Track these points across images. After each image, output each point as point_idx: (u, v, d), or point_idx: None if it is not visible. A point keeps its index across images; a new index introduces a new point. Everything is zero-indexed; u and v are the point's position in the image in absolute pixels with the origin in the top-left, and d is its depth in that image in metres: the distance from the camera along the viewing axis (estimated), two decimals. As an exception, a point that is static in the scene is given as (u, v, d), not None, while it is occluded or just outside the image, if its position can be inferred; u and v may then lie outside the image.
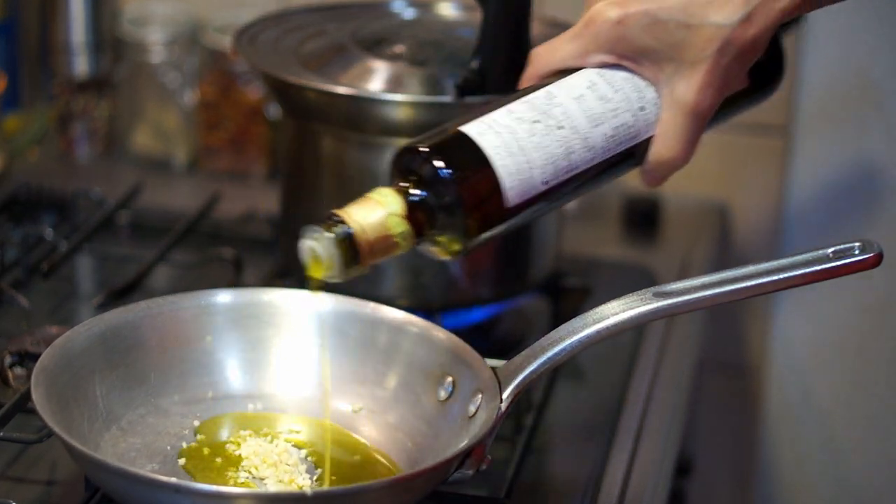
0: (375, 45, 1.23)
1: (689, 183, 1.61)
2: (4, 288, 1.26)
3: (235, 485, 0.99)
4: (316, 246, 0.93)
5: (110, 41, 1.63)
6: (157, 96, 1.60)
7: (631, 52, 0.98)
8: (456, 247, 0.96)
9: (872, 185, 1.57)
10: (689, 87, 0.97)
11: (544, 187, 0.96)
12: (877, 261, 0.96)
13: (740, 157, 1.60)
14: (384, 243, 0.93)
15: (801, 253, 0.97)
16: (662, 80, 0.98)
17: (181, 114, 1.60)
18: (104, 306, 1.23)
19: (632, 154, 0.99)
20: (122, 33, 1.61)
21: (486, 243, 0.97)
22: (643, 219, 1.55)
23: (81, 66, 1.62)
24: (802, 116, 1.57)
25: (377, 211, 0.93)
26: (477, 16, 1.16)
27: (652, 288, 0.98)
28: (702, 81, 0.96)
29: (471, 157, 0.94)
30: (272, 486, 0.99)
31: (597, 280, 1.36)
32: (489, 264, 1.25)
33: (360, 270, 0.94)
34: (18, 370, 1.11)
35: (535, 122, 0.96)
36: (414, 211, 0.94)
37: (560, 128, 0.96)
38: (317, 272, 0.95)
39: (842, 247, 0.97)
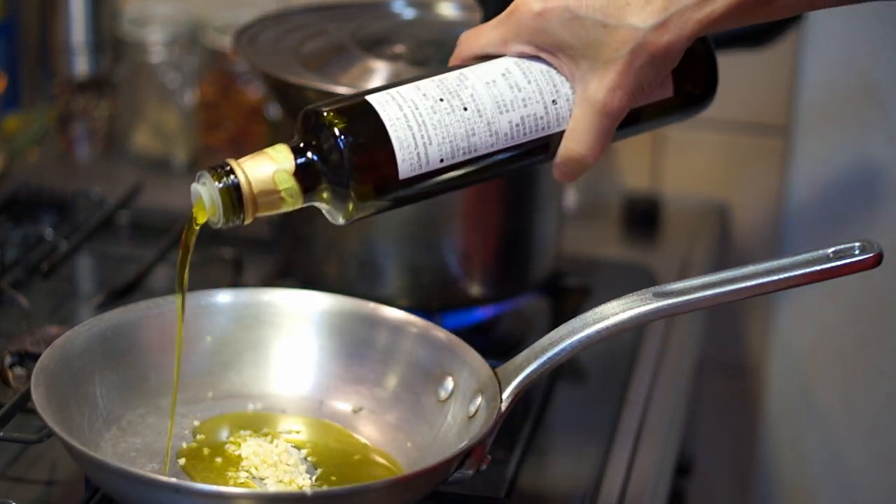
0: (375, 45, 1.23)
1: (689, 183, 1.61)
2: (4, 288, 1.26)
3: (235, 485, 0.99)
4: (202, 191, 0.95)
5: (110, 41, 1.63)
6: (157, 96, 1.60)
7: (549, 45, 0.98)
8: (348, 210, 0.96)
9: (873, 185, 1.57)
10: (600, 85, 0.97)
11: (440, 165, 0.97)
12: (877, 261, 0.96)
13: (740, 157, 1.60)
14: (269, 198, 0.94)
15: (801, 253, 0.97)
16: (577, 77, 0.98)
17: (181, 114, 1.60)
18: (104, 306, 1.23)
19: (545, 147, 1.00)
20: (122, 33, 1.61)
21: (378, 212, 0.97)
22: (643, 219, 1.55)
23: (81, 66, 1.62)
24: (802, 116, 1.57)
25: (268, 165, 0.94)
26: (477, 16, 1.16)
27: (652, 288, 0.98)
28: (613, 82, 0.96)
29: (368, 126, 0.95)
30: (272, 486, 0.99)
31: (597, 280, 1.36)
32: (489, 264, 1.25)
33: (242, 220, 0.95)
34: (18, 370, 1.11)
35: (439, 99, 0.97)
36: (306, 171, 0.95)
37: (464, 109, 0.97)
38: (201, 216, 0.96)
39: (842, 247, 0.97)
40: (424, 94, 0.97)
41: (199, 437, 1.04)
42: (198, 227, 0.97)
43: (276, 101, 1.30)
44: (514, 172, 1.02)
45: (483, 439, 0.96)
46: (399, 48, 1.22)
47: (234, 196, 0.94)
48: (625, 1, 0.95)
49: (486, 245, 1.24)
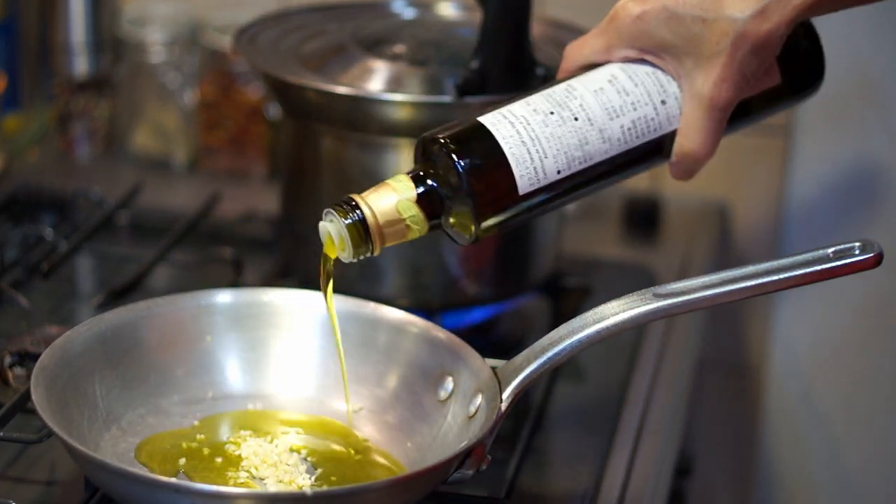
0: (375, 45, 1.23)
1: (689, 183, 1.61)
2: (4, 288, 1.26)
3: (235, 485, 0.99)
4: (331, 228, 0.98)
5: (110, 41, 1.62)
6: (157, 96, 1.60)
7: (652, 46, 1.00)
8: (472, 231, 0.99)
9: (873, 185, 1.57)
10: (706, 80, 0.99)
11: (558, 176, 0.99)
12: (877, 261, 0.96)
13: (740, 157, 1.60)
14: (395, 227, 0.97)
15: (801, 253, 0.97)
16: (683, 75, 1.00)
17: (181, 114, 1.60)
18: (104, 306, 1.23)
19: (659, 147, 1.02)
20: (122, 33, 1.61)
21: (505, 229, 1.00)
22: (643, 219, 1.55)
23: (81, 66, 1.62)
24: (803, 116, 1.57)
25: (390, 196, 0.97)
26: (477, 16, 1.16)
27: (652, 288, 0.98)
28: (718, 75, 0.98)
29: (484, 146, 0.98)
30: (272, 486, 0.99)
31: (597, 280, 1.36)
32: (489, 264, 1.25)
33: (372, 252, 0.98)
34: (18, 370, 1.11)
35: (549, 113, 0.99)
36: (428, 197, 0.98)
37: (575, 119, 0.99)
38: (331, 252, 0.99)
39: (842, 247, 0.97)
40: (535, 110, 0.99)
41: (199, 437, 1.04)
42: (332, 261, 1.00)
43: (276, 101, 1.30)
44: (633, 175, 1.04)
45: (483, 439, 0.96)
46: (399, 48, 1.22)
47: (361, 230, 0.96)
48: None
49: (486, 245, 1.24)
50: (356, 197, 0.97)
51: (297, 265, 1.28)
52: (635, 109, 1.00)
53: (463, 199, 0.97)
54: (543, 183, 0.98)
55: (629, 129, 1.00)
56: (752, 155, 1.59)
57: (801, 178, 1.59)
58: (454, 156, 0.97)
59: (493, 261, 1.25)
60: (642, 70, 1.01)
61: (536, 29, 1.21)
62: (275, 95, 1.29)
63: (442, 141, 0.98)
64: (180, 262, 1.34)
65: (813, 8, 0.97)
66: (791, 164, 1.58)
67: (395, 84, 1.19)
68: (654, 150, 1.02)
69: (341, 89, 1.17)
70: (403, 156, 1.19)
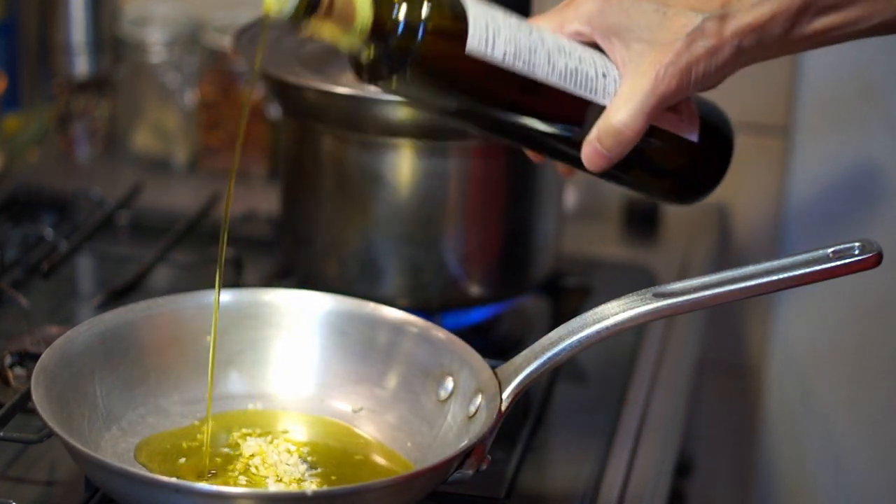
0: (375, 45, 1.23)
1: (689, 183, 1.61)
2: (4, 288, 1.26)
3: (235, 485, 0.99)
4: None
5: (110, 41, 1.63)
6: (157, 96, 1.60)
7: (606, 27, 1.00)
8: (406, 73, 0.96)
9: (872, 185, 1.57)
10: (653, 62, 0.97)
11: (502, 62, 0.97)
12: (877, 261, 0.96)
13: (740, 157, 1.59)
14: (343, 11, 0.94)
15: (801, 253, 0.97)
16: (628, 60, 0.99)
17: (181, 114, 1.60)
18: (104, 306, 1.23)
19: (583, 120, 1.00)
20: (122, 33, 1.61)
21: (426, 97, 0.98)
22: (643, 219, 1.55)
23: (81, 66, 1.62)
24: (802, 116, 1.57)
25: None
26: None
27: (652, 288, 0.98)
28: (669, 59, 0.97)
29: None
30: (272, 486, 0.99)
31: (597, 280, 1.36)
32: (489, 264, 1.25)
33: (306, 27, 0.94)
34: (18, 370, 1.11)
35: (511, 16, 0.99)
36: (384, 8, 0.95)
37: (531, 32, 0.99)
38: (270, 4, 0.94)
39: (842, 247, 0.97)
40: (498, 9, 0.98)
41: (199, 436, 1.04)
42: (268, 22, 0.95)
43: (276, 101, 1.30)
44: (546, 143, 1.02)
45: (483, 439, 0.96)
46: (399, 48, 1.22)
47: None
48: None
49: (486, 245, 1.24)
50: None
51: (297, 265, 1.29)
52: (581, 62, 1.00)
53: (412, 31, 0.95)
54: (489, 56, 0.97)
55: (571, 71, 0.99)
56: (751, 155, 1.60)
57: (800, 178, 1.59)
58: None
59: (493, 261, 1.25)
60: (590, 50, 1.01)
61: (536, 29, 1.20)
62: (275, 95, 1.29)
63: None
64: (180, 262, 1.34)
65: (761, 28, 0.96)
66: (791, 164, 1.59)
67: (395, 84, 1.19)
68: (579, 120, 1.00)
69: (341, 89, 1.17)
70: (403, 156, 1.19)
